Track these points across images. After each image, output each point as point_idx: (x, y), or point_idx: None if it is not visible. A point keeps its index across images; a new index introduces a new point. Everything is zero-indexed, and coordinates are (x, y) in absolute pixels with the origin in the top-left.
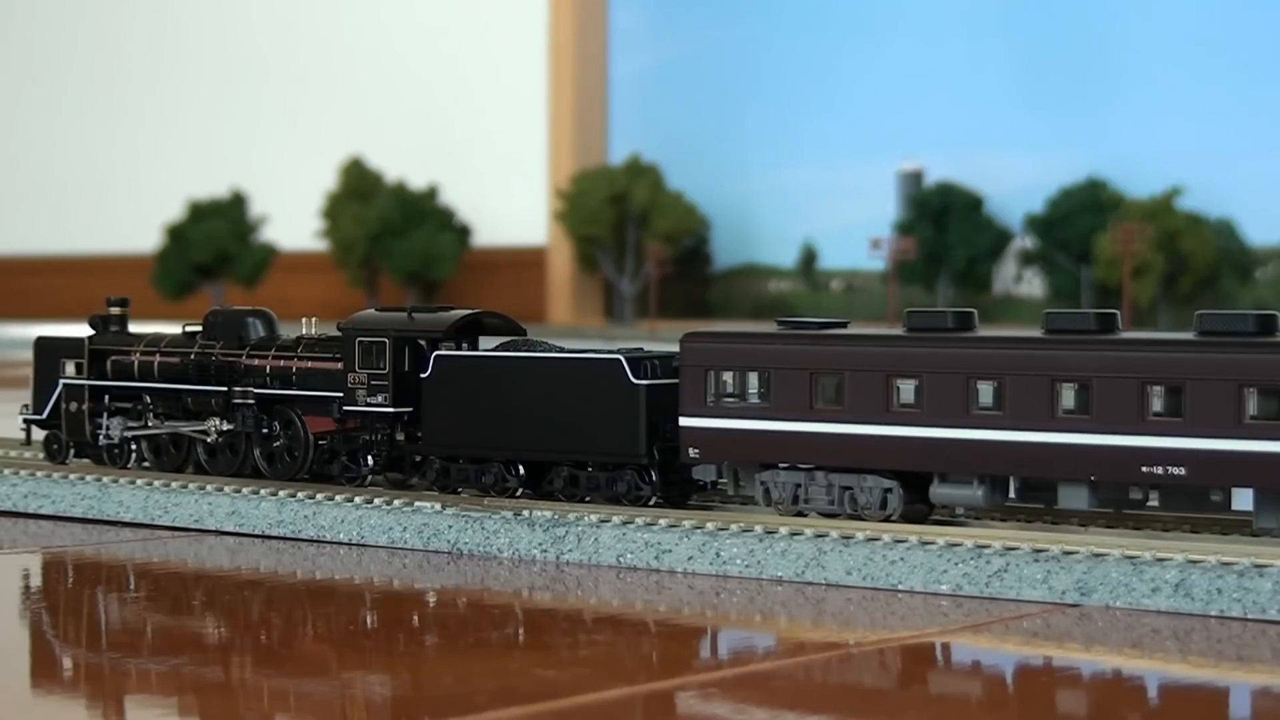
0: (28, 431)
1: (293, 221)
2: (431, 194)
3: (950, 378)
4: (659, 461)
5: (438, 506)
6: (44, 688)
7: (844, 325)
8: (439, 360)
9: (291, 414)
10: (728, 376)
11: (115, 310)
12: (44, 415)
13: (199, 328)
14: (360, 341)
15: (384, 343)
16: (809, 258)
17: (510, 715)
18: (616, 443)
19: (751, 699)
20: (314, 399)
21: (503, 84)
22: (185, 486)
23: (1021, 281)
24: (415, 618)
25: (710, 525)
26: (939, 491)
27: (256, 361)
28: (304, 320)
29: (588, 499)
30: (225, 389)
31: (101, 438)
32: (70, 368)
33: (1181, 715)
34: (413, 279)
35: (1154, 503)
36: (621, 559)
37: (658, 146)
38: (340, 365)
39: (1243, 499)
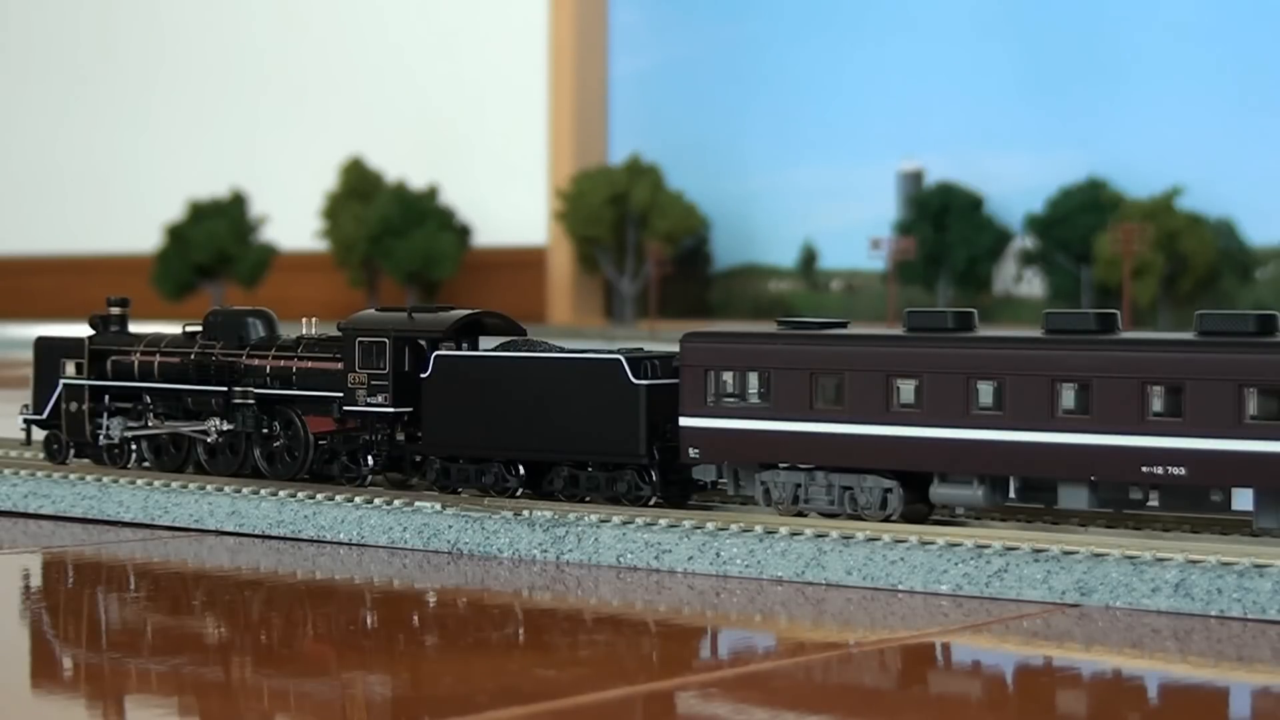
0: (28, 431)
1: (293, 221)
2: (431, 194)
3: (950, 378)
4: (659, 461)
5: (438, 506)
6: (44, 688)
7: (844, 325)
8: (439, 360)
9: (291, 414)
10: (728, 376)
11: (115, 310)
12: (44, 415)
13: (199, 328)
14: (360, 341)
15: (384, 343)
16: (809, 258)
17: (510, 715)
18: (616, 443)
19: (751, 699)
20: (314, 399)
21: (503, 84)
22: (185, 486)
23: (1021, 281)
24: (415, 618)
25: (710, 525)
26: (939, 491)
27: (256, 361)
28: (304, 320)
29: (588, 499)
30: (225, 389)
31: (101, 438)
32: (70, 368)
33: (1181, 715)
34: (413, 279)
35: (1154, 503)
36: (621, 559)
37: (658, 146)
38: (340, 365)
39: (1243, 499)
